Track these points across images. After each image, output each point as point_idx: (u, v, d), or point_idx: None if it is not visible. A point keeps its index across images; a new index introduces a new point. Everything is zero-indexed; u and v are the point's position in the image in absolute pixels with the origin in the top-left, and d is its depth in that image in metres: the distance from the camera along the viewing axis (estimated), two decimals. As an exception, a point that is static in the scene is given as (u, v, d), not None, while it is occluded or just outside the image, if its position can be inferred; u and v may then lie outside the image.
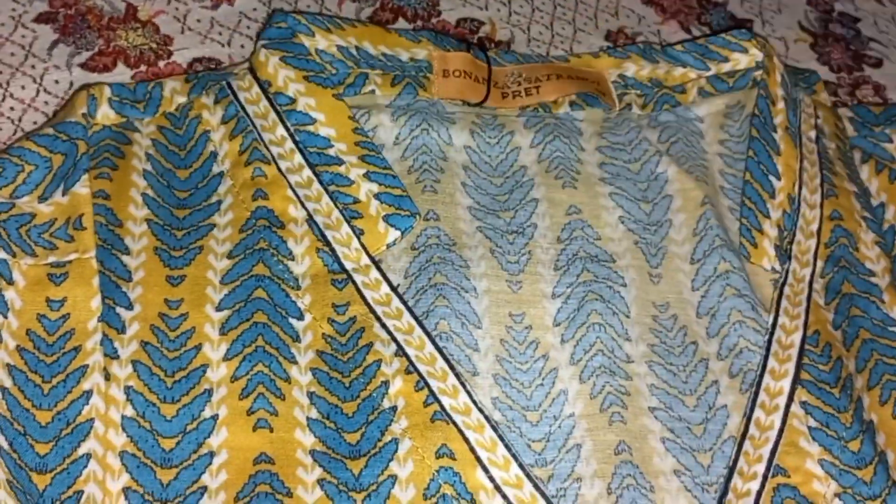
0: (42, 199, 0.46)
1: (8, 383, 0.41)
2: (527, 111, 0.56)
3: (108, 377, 0.42)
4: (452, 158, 0.54)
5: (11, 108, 0.53)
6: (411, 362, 0.44)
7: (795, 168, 0.54)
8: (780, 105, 0.56)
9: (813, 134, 0.56)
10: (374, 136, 0.53)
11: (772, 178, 0.53)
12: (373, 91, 0.55)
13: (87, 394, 0.42)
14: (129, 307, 0.44)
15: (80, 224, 0.46)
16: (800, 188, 0.53)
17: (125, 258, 0.46)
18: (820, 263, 0.52)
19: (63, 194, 0.47)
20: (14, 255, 0.44)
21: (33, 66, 0.55)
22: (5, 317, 0.43)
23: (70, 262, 0.45)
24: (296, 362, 0.44)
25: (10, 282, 0.44)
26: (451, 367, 0.44)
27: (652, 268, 0.51)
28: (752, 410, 0.46)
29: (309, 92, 0.52)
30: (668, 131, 0.57)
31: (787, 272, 0.50)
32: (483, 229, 0.51)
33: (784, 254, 0.51)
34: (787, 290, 0.50)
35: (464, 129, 0.55)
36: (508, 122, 0.56)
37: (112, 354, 0.43)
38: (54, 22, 0.57)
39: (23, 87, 0.54)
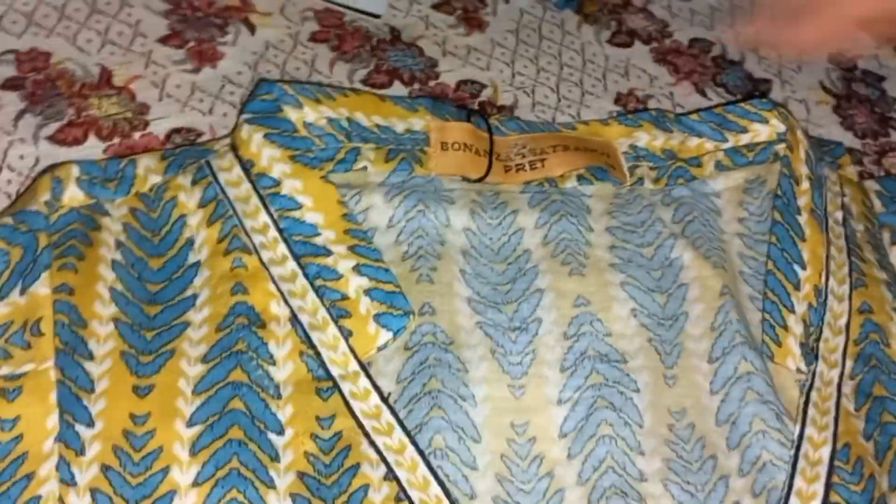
0: None
1: (-50, 521, 0.37)
2: (531, 186, 0.52)
3: (63, 509, 0.38)
4: (451, 243, 0.49)
5: (-29, 188, 0.49)
6: (402, 488, 0.40)
7: (822, 256, 0.50)
8: (805, 185, 0.52)
9: (840, 215, 0.52)
10: (365, 220, 0.49)
11: (796, 267, 0.49)
12: (365, 167, 0.51)
13: (40, 530, 0.38)
14: (91, 424, 0.40)
15: (38, 329, 0.42)
16: (827, 279, 0.49)
17: (88, 365, 0.41)
18: (849, 363, 0.47)
19: (21, 294, 0.43)
20: (-37, 367, 0.40)
21: (-3, 140, 0.50)
22: (-50, 441, 0.39)
23: (25, 374, 0.41)
24: (274, 487, 0.40)
25: (-42, 398, 0.40)
26: (447, 494, 0.40)
27: (667, 368, 0.47)
28: None
29: (295, 173, 0.48)
30: (683, 209, 0.52)
31: (813, 374, 0.46)
32: (483, 325, 0.47)
33: (811, 353, 0.47)
34: (813, 395, 0.46)
35: (463, 208, 0.51)
36: (511, 200, 0.52)
37: (69, 481, 0.39)
38: (22, 89, 0.53)
39: (-15, 164, 0.49)
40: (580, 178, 0.53)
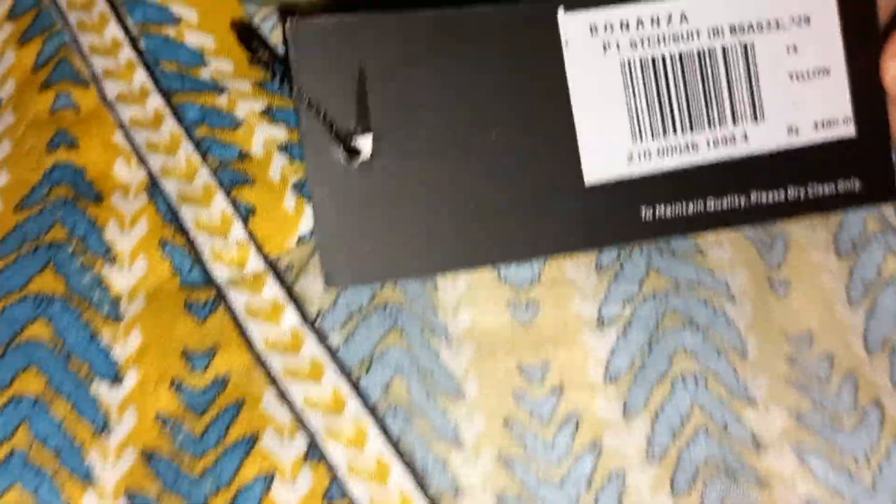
0: None
1: None
2: None
3: None
4: None
5: None
6: (337, 478, 0.22)
7: None
8: None
9: None
10: None
11: None
12: None
13: None
14: None
15: None
16: None
17: None
18: None
19: None
20: None
21: None
22: None
23: None
24: (91, 481, 0.22)
25: None
26: (423, 488, 0.22)
27: (772, 267, 0.29)
28: None
29: None
30: None
31: None
32: None
33: None
34: None
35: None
36: None
37: None
38: None
39: None
40: None
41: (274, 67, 0.24)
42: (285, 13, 0.28)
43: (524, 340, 0.26)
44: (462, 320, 0.26)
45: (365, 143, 0.23)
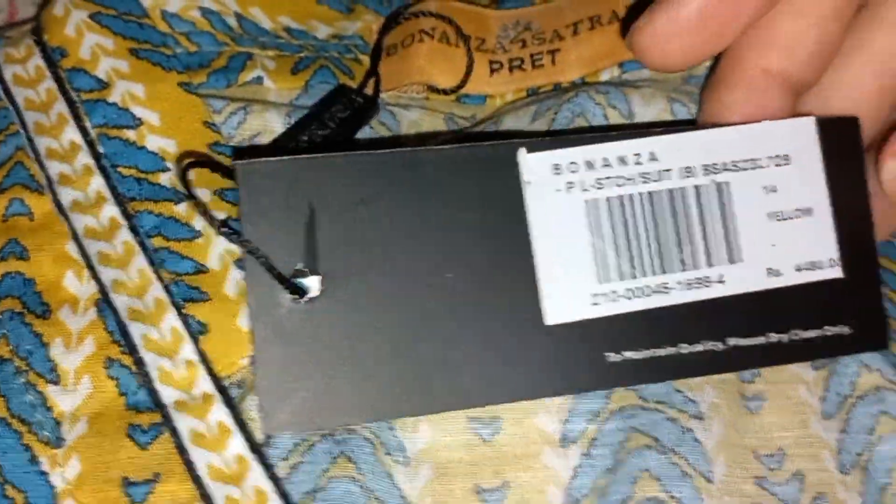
0: None
1: None
2: (539, 98, 0.32)
3: None
4: None
5: None
6: None
7: None
8: None
9: None
10: None
11: None
12: (259, 80, 0.31)
13: None
14: None
15: None
16: None
17: None
18: None
19: None
20: None
21: None
22: None
23: None
24: None
25: None
26: None
27: (745, 381, 0.28)
28: None
29: (135, 74, 0.29)
30: None
31: None
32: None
33: None
34: None
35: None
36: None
37: None
38: None
39: None
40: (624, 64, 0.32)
41: (209, 219, 0.24)
42: (237, 154, 0.28)
43: (484, 459, 0.25)
44: (421, 437, 0.25)
45: (312, 284, 0.23)
